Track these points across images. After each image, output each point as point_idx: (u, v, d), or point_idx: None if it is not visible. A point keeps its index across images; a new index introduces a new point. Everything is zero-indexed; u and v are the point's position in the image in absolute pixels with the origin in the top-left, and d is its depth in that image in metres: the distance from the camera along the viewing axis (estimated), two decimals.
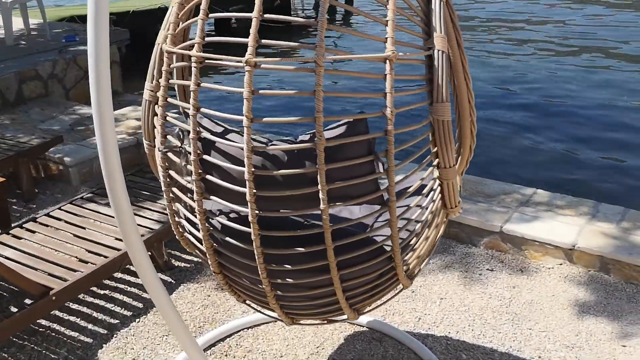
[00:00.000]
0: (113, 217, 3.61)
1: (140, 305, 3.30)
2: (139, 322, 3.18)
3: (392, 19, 1.77)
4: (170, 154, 2.02)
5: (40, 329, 3.13)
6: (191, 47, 1.87)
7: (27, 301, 3.05)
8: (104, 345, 3.04)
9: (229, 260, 2.06)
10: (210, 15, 1.82)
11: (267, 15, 1.73)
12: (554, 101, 8.34)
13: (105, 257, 3.21)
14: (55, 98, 6.56)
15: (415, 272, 2.17)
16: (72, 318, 3.21)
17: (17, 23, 7.99)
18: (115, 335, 3.09)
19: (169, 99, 1.99)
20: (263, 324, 3.13)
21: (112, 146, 1.78)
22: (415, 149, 1.98)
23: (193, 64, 1.82)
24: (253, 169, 1.78)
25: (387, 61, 1.76)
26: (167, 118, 2.00)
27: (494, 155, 6.52)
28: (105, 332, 3.12)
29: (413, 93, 1.88)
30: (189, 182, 1.99)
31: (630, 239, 3.57)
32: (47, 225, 3.53)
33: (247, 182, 1.79)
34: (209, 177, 1.91)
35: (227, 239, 1.96)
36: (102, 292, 3.41)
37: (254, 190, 1.80)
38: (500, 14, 13.99)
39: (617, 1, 14.94)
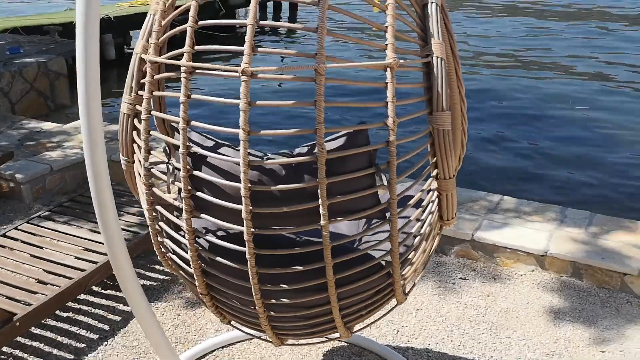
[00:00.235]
0: (73, 236, 3.47)
1: (106, 327, 3.14)
2: (106, 345, 3.02)
3: (392, 24, 1.70)
4: (154, 170, 1.90)
5: (2, 356, 2.94)
6: (178, 57, 1.76)
7: None
8: None
9: (218, 281, 1.94)
10: (200, 22, 1.72)
11: (263, 22, 1.64)
12: (503, 106, 8.50)
13: (69, 277, 3.05)
14: (1, 112, 6.28)
15: (409, 288, 2.11)
16: (35, 344, 3.02)
17: None
18: None
19: (154, 112, 1.87)
20: (238, 342, 3.01)
21: (100, 154, 1.66)
22: (408, 162, 1.91)
23: (183, 74, 1.71)
24: (249, 185, 1.68)
25: (388, 69, 1.69)
26: (151, 132, 1.88)
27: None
28: (72, 357, 2.94)
29: (412, 102, 1.81)
30: (176, 200, 1.87)
31: (600, 244, 3.60)
32: (2, 246, 3.34)
33: (243, 199, 1.69)
34: (199, 194, 1.79)
35: (218, 258, 1.85)
36: (65, 314, 3.23)
37: (250, 207, 1.70)
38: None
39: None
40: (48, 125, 5.54)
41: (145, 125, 1.86)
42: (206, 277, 1.97)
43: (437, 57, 1.80)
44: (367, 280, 1.89)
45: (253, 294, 1.85)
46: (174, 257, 2.04)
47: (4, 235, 3.43)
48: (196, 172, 1.77)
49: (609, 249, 3.54)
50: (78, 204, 3.87)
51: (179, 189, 1.82)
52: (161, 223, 2.00)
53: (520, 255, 3.64)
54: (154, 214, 1.98)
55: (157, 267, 3.64)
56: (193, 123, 1.73)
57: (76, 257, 3.27)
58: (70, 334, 3.09)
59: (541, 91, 9.20)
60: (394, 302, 2.13)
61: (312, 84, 1.63)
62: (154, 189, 1.93)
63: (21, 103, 6.65)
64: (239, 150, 1.77)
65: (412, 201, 1.86)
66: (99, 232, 3.48)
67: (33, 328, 3.09)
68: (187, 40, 1.70)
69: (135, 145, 2.03)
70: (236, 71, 1.63)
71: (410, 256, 1.96)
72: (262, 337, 2.35)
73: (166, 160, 1.89)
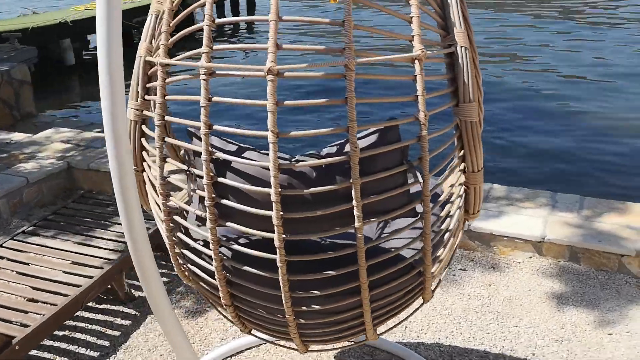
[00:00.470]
0: (61, 250, 3.33)
1: (106, 343, 3.02)
2: None
3: (417, 14, 1.63)
4: (171, 179, 1.80)
5: None
6: (196, 57, 1.67)
7: None
8: None
9: (243, 290, 1.86)
10: (217, 20, 1.63)
11: (286, 18, 1.56)
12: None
13: (62, 294, 2.92)
14: None
15: (435, 285, 2.05)
16: None
17: None
18: None
19: (167, 117, 1.77)
20: (246, 349, 2.93)
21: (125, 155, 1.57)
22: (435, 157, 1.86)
23: (202, 77, 1.61)
24: (280, 189, 1.60)
25: (417, 61, 1.62)
26: (166, 139, 1.79)
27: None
28: None
29: (441, 94, 1.75)
30: (199, 209, 1.78)
31: (595, 227, 3.60)
32: None
33: (273, 204, 1.61)
34: (224, 201, 1.71)
35: (245, 267, 1.77)
36: (61, 333, 3.09)
37: (281, 213, 1.62)
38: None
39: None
40: (18, 136, 5.35)
41: (160, 132, 1.77)
42: (230, 287, 1.88)
43: (462, 47, 1.75)
44: (399, 281, 1.83)
45: (283, 302, 1.77)
46: (194, 268, 1.94)
47: None
48: (220, 179, 1.68)
49: (604, 231, 3.55)
50: (62, 216, 3.72)
51: (200, 197, 1.73)
52: (179, 234, 1.90)
53: (518, 242, 3.63)
54: (171, 224, 1.88)
55: None
56: (215, 127, 1.64)
57: (66, 272, 3.13)
58: (69, 353, 2.96)
59: (523, 84, 9.31)
60: (419, 301, 2.07)
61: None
62: (172, 199, 1.83)
63: None
64: (263, 153, 1.70)
65: (442, 196, 1.80)
66: (87, 245, 3.36)
67: None
68: (205, 40, 1.61)
69: (144, 153, 1.93)
70: (261, 70, 1.54)
71: (439, 253, 1.90)
72: (285, 345, 2.27)
73: (185, 167, 1.79)
